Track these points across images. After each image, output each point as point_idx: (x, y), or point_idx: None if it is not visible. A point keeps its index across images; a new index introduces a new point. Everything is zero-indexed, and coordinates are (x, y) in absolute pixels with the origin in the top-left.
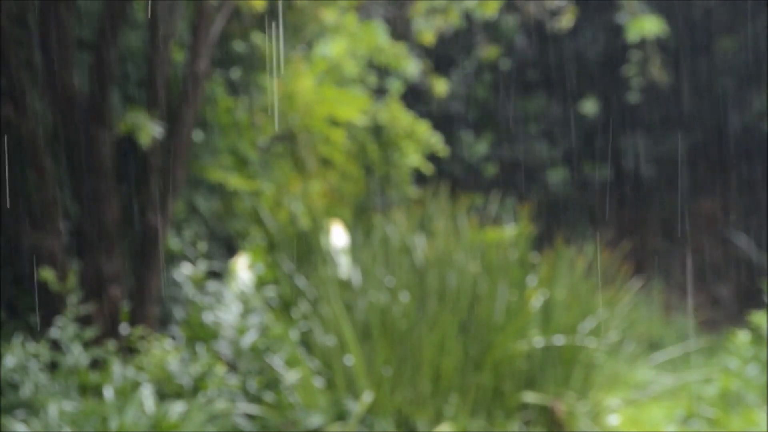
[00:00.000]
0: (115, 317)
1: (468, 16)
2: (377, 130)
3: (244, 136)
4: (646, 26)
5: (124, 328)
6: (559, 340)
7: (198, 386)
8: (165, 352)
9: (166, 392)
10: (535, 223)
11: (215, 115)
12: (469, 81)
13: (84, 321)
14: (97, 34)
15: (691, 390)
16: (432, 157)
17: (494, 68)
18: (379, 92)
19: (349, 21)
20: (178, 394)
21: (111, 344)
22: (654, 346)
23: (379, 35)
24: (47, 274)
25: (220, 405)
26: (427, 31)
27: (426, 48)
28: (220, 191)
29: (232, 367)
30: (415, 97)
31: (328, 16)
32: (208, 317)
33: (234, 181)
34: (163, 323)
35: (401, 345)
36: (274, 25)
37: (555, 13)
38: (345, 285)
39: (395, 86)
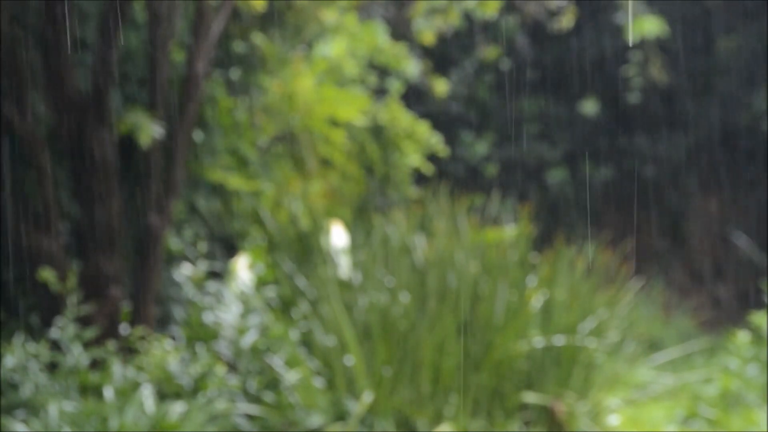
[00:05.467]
0: (115, 317)
1: (468, 16)
2: (377, 130)
3: (244, 136)
4: (646, 26)
5: (124, 328)
6: (559, 340)
7: (198, 386)
8: (165, 352)
9: (166, 392)
10: (535, 223)
11: (215, 115)
12: (469, 81)
13: (84, 321)
14: (97, 34)
15: (691, 390)
16: (432, 157)
17: (494, 68)
18: (379, 92)
19: (349, 21)
20: (178, 394)
21: (111, 344)
22: (654, 346)
23: (379, 35)
24: (47, 274)
25: (220, 405)
26: (427, 31)
27: (426, 48)
28: (220, 191)
29: (232, 367)
30: (415, 97)
31: (328, 16)
32: (208, 317)
33: (234, 181)
34: (163, 323)
35: (401, 345)
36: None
37: (555, 13)
38: (345, 285)
39: (395, 86)
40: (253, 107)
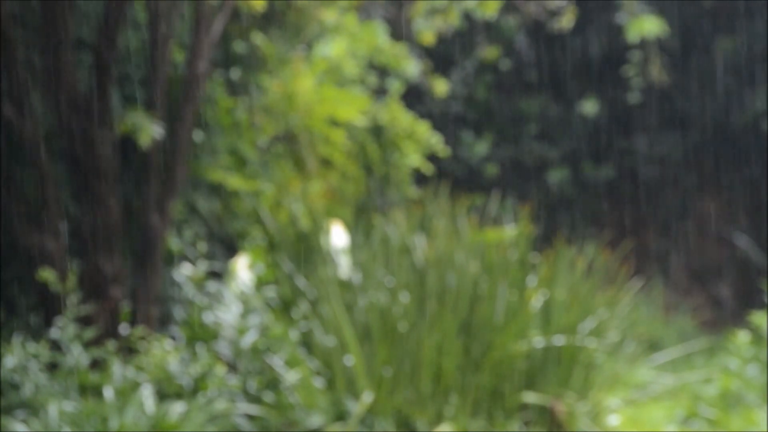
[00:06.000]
0: (115, 317)
1: (468, 16)
2: (377, 131)
3: (244, 136)
4: (646, 26)
5: (124, 328)
6: (559, 340)
7: (198, 386)
8: (165, 352)
9: (166, 392)
10: (535, 223)
11: (215, 115)
12: (469, 81)
13: (84, 321)
14: (97, 34)
15: (691, 390)
16: (432, 158)
17: (494, 68)
18: (379, 92)
19: (349, 21)
20: (178, 394)
21: (111, 344)
22: (654, 346)
23: (379, 35)
24: (47, 274)
25: (220, 405)
26: (427, 31)
27: (426, 48)
28: (220, 191)
29: (232, 367)
30: (415, 97)
31: (328, 16)
32: (208, 317)
33: (234, 181)
34: (163, 323)
35: (401, 345)
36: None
37: (555, 13)
38: (345, 285)
39: (395, 86)
40: (253, 107)
